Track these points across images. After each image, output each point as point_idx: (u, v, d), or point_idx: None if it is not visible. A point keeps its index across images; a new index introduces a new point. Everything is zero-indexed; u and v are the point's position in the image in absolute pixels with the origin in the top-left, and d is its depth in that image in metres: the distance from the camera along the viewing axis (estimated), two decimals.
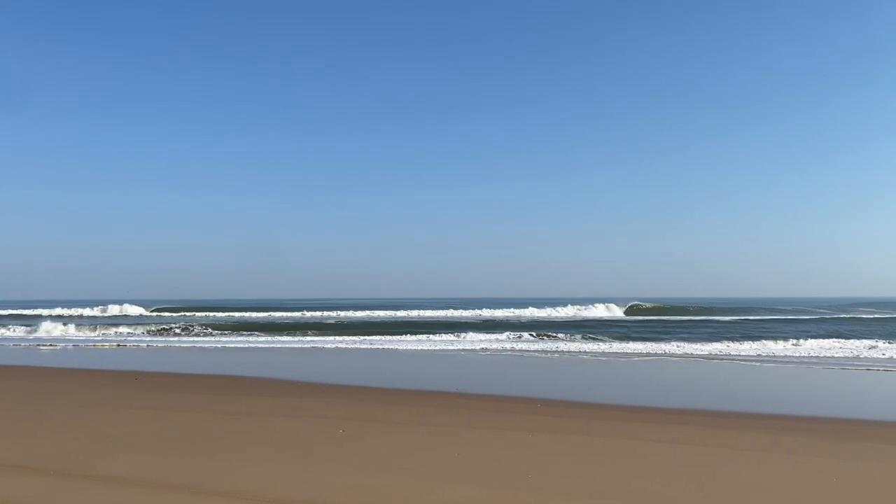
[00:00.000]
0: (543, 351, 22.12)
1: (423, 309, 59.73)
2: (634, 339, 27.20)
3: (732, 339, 26.41)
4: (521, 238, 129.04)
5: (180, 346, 24.70)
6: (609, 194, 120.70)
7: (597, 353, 21.46)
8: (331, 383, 13.85)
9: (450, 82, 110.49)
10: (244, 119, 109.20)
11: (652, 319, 43.43)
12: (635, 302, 58.11)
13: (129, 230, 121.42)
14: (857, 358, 19.22)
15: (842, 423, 9.42)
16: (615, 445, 7.55)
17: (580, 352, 21.74)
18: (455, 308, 58.77)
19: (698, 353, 21.08)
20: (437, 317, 48.30)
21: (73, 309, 55.58)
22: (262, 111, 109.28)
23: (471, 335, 28.82)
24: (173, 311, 56.54)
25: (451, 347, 23.64)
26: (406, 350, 22.77)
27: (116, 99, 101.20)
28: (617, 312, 54.10)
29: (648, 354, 20.69)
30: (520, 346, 24.34)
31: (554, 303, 61.75)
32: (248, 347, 23.97)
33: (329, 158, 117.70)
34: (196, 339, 29.30)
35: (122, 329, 34.21)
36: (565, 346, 23.88)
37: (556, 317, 50.06)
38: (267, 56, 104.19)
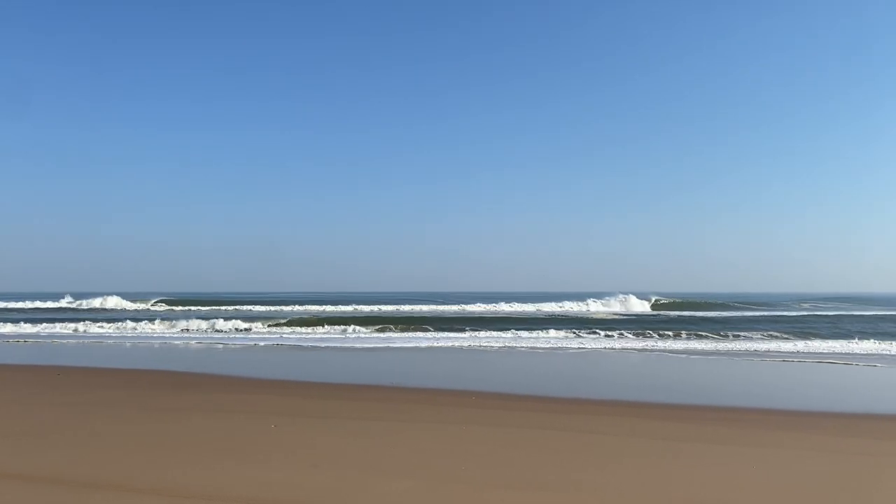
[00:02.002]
0: (672, 350, 22.18)
1: (440, 303, 55.83)
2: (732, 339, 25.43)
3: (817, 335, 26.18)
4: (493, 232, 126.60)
5: (133, 339, 23.70)
6: (608, 190, 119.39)
7: (707, 351, 21.64)
8: (265, 378, 13.52)
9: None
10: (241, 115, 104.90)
11: (698, 316, 39.55)
12: (656, 297, 55.14)
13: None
14: None
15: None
16: (556, 437, 7.58)
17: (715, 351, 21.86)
18: (454, 303, 55.14)
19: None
20: (469, 312, 44.54)
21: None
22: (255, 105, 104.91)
23: (549, 331, 27.77)
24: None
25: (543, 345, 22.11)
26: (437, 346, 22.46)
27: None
28: (645, 307, 51.27)
29: (798, 354, 19.57)
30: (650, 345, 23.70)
31: (554, 297, 59.58)
32: (196, 341, 23.20)
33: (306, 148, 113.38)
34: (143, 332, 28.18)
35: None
36: (687, 345, 23.26)
37: (598, 312, 46.37)
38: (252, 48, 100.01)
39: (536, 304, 50.72)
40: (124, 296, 53.56)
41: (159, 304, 53.48)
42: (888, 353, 19.46)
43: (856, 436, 7.83)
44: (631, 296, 52.06)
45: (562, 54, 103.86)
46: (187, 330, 29.32)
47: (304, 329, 29.79)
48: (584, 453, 6.80)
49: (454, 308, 49.32)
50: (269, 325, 31.50)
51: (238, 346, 21.24)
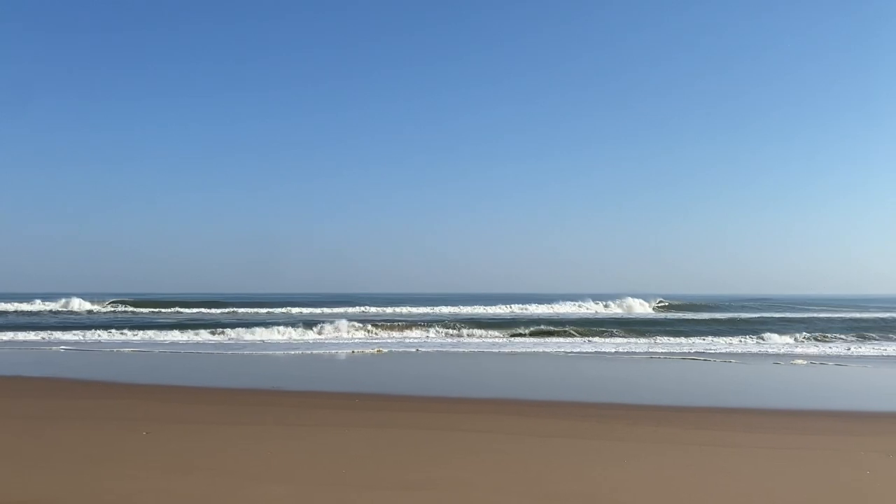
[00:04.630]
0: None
1: (424, 305, 52.70)
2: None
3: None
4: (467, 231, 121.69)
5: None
6: (607, 192, 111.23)
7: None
8: (139, 383, 12.98)
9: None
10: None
11: (719, 318, 38.37)
12: (659, 298, 54.56)
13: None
14: None
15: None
16: (440, 437, 7.78)
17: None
18: (449, 304, 52.75)
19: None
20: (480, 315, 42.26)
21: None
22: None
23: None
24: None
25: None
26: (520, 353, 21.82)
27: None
28: (647, 309, 50.84)
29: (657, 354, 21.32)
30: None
31: (548, 299, 57.98)
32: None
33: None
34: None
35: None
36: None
37: (602, 314, 46.00)
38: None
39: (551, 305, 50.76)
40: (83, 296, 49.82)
41: (116, 304, 49.92)
42: (751, 351, 21.19)
43: (705, 428, 8.53)
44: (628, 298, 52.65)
45: (563, 47, 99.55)
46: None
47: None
48: (457, 451, 7.05)
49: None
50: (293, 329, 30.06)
51: (125, 352, 20.21)
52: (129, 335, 25.29)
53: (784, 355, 19.33)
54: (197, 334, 26.36)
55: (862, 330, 28.65)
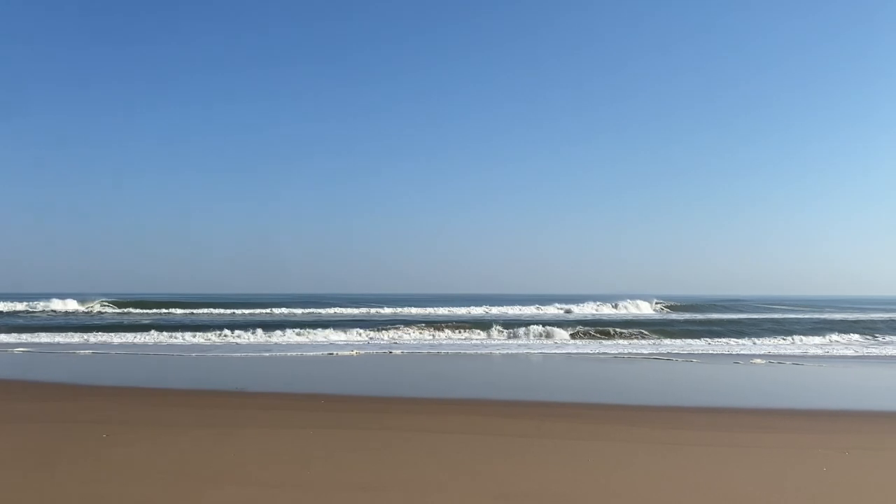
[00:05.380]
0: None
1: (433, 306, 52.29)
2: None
3: None
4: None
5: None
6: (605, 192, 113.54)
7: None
8: (100, 385, 12.71)
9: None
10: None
11: (736, 318, 38.40)
12: (657, 300, 54.74)
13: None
14: None
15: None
16: (398, 438, 7.76)
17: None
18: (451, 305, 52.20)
19: None
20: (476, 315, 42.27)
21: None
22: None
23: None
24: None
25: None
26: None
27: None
28: (647, 309, 50.85)
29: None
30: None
31: (544, 300, 58.12)
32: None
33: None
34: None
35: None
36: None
37: (606, 314, 45.84)
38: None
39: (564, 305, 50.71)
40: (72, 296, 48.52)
41: (105, 305, 48.65)
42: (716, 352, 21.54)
43: (679, 428, 8.63)
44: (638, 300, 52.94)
45: (564, 40, 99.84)
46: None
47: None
48: (420, 452, 7.04)
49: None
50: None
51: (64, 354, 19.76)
52: (89, 337, 24.79)
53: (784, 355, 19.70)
54: (149, 334, 25.89)
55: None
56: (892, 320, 35.56)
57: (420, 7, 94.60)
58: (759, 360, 18.11)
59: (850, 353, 21.26)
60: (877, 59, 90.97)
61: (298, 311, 46.48)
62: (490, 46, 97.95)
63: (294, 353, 19.74)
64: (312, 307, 51.04)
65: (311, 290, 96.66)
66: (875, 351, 22.22)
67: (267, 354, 19.40)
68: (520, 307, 50.87)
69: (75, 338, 24.69)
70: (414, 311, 47.38)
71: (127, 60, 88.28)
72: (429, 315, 41.68)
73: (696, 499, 5.48)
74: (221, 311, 44.90)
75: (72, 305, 46.34)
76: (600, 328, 29.63)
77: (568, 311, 49.72)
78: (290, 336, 25.90)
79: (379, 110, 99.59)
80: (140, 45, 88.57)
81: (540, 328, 27.95)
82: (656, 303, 54.14)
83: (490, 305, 52.20)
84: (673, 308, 53.31)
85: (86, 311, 44.84)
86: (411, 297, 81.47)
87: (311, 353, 19.80)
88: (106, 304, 48.97)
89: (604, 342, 25.62)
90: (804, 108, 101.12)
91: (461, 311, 48.03)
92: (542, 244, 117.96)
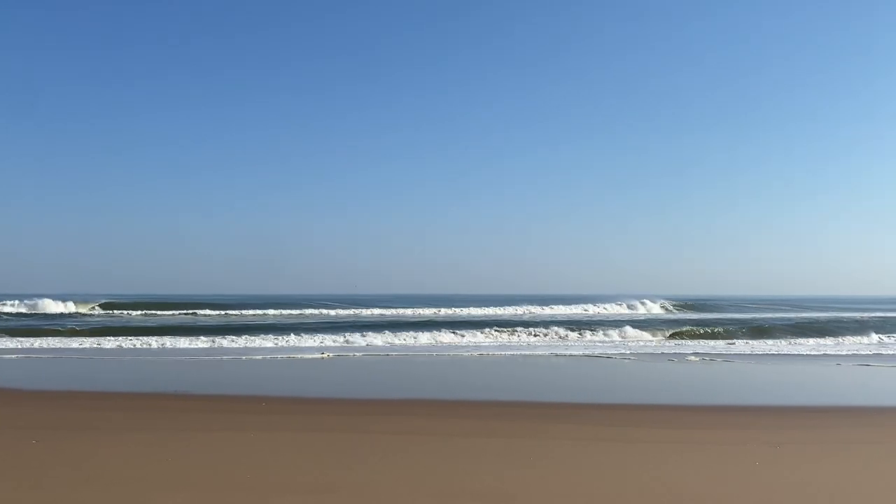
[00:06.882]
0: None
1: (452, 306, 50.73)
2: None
3: None
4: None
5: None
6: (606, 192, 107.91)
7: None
8: (30, 390, 12.22)
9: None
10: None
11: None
12: (662, 301, 54.16)
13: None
14: None
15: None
16: (344, 439, 7.71)
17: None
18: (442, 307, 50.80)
19: None
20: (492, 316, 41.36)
21: None
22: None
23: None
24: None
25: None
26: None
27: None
28: (658, 310, 50.44)
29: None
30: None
31: (542, 300, 57.09)
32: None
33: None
34: None
35: None
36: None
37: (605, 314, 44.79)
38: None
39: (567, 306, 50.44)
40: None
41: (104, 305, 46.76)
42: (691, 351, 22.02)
43: (618, 425, 8.82)
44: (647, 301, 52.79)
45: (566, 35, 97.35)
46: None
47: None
48: (365, 454, 7.01)
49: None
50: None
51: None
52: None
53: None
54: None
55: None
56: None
57: (419, 7, 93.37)
58: (692, 358, 18.66)
59: None
60: (876, 58, 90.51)
61: (272, 311, 44.79)
62: (479, 44, 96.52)
63: (247, 357, 19.33)
64: (293, 308, 49.24)
65: (311, 290, 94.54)
66: None
67: (217, 358, 18.97)
68: (515, 307, 50.78)
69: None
70: (395, 311, 47.02)
71: (127, 61, 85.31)
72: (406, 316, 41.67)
73: (642, 495, 5.62)
74: (209, 311, 44.00)
75: (58, 307, 44.52)
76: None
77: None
78: (247, 339, 25.17)
79: (377, 107, 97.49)
80: (140, 45, 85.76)
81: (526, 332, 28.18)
82: (663, 303, 54.18)
83: (477, 306, 51.25)
84: (680, 308, 53.28)
85: (72, 312, 43.14)
86: (400, 297, 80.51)
87: (271, 357, 19.40)
88: (106, 305, 47.31)
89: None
90: (806, 107, 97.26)
91: (456, 311, 47.76)
92: (513, 246, 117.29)
